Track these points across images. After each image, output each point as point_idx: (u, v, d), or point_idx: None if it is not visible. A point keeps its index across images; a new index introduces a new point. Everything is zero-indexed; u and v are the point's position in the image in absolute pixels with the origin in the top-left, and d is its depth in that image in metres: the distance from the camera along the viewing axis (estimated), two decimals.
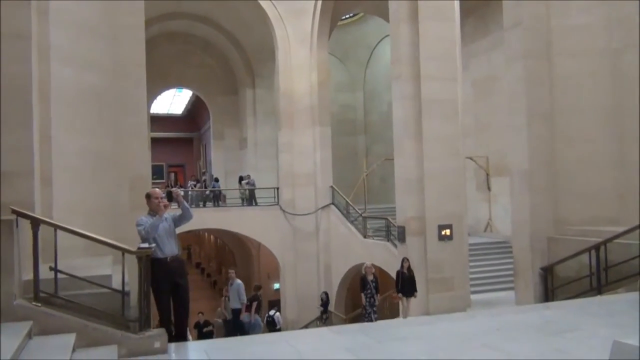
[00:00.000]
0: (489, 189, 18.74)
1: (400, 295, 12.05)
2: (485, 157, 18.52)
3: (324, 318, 17.07)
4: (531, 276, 10.50)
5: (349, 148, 26.78)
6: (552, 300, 9.96)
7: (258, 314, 15.61)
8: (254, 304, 15.26)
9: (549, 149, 10.65)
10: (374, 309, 11.80)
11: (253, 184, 23.03)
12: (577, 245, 9.62)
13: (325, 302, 17.71)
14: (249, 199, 22.85)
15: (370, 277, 11.93)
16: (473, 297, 13.28)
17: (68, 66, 7.36)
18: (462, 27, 14.66)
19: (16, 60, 5.60)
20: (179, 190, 6.24)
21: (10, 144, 5.38)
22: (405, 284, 11.97)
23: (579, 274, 9.55)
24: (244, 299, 14.06)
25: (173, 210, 6.33)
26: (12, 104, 5.47)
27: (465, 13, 16.62)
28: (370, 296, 11.76)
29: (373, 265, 12.64)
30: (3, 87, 5.35)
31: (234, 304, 14.10)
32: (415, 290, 12.08)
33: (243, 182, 23.29)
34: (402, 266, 12.08)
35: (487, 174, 18.67)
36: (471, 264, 14.17)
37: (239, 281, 14.16)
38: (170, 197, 6.29)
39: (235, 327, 14.36)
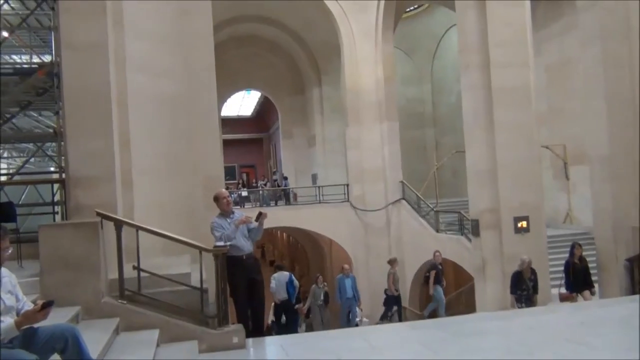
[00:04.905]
0: (567, 177, 17.95)
1: (574, 294, 9.75)
2: (562, 145, 17.75)
3: (389, 316, 15.28)
4: (616, 268, 10.01)
5: (417, 142, 26.40)
6: (639, 293, 9.44)
7: (440, 285, 14.01)
8: (432, 273, 13.92)
9: (631, 133, 10.09)
10: None
11: None
12: None
13: (387, 299, 15.41)
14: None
15: (528, 275, 9.96)
16: (553, 291, 12.75)
17: (142, 74, 7.66)
18: (532, 11, 14.09)
19: (96, 71, 5.92)
20: (266, 214, 6.53)
21: (93, 151, 5.70)
22: (578, 277, 9.78)
23: None
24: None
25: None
26: (93, 112, 5.78)
27: None
28: (527, 298, 9.87)
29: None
30: (85, 96, 5.67)
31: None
32: (592, 286, 9.80)
33: None
34: (571, 254, 9.97)
35: (565, 162, 17.89)
36: (550, 257, 13.61)
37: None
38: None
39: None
